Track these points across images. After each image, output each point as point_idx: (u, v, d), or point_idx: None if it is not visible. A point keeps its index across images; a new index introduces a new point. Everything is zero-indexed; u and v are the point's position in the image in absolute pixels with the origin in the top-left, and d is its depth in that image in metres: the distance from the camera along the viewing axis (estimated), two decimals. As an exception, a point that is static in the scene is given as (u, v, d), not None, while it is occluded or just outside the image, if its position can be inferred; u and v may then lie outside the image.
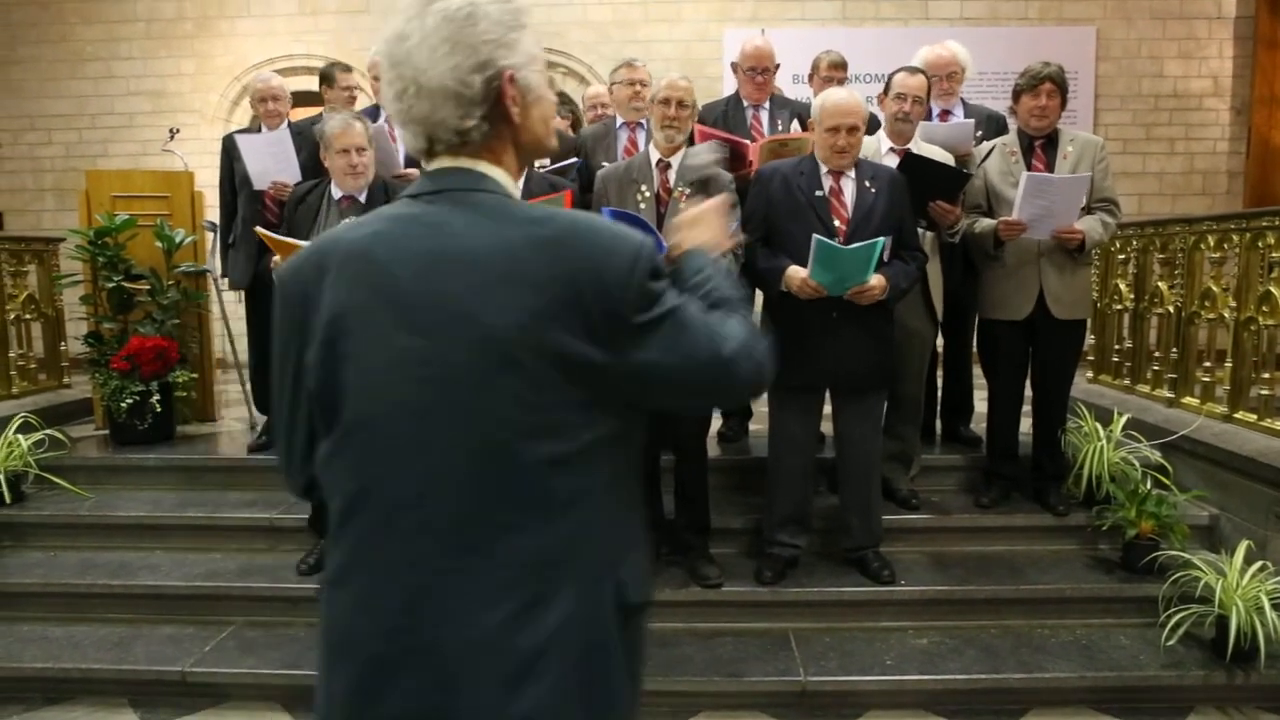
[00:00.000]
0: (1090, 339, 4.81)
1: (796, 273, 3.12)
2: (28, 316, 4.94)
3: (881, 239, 3.03)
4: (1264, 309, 3.70)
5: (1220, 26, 7.64)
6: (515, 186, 1.19)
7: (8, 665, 3.18)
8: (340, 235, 1.16)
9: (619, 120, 4.06)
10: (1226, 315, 3.92)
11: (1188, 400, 4.19)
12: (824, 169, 3.22)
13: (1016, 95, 3.58)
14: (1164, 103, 7.72)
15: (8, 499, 3.89)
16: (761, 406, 3.58)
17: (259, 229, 3.45)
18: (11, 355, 4.80)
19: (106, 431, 4.56)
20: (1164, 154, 7.75)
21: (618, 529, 1.19)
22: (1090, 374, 5.02)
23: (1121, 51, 7.66)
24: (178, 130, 5.70)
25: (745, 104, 4.11)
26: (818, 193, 3.20)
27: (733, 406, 1.12)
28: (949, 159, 3.59)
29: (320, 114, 4.10)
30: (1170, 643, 3.05)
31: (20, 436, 4.02)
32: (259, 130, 4.57)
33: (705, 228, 1.40)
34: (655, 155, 3.28)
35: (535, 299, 1.06)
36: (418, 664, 1.08)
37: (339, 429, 1.12)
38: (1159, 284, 4.40)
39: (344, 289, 1.10)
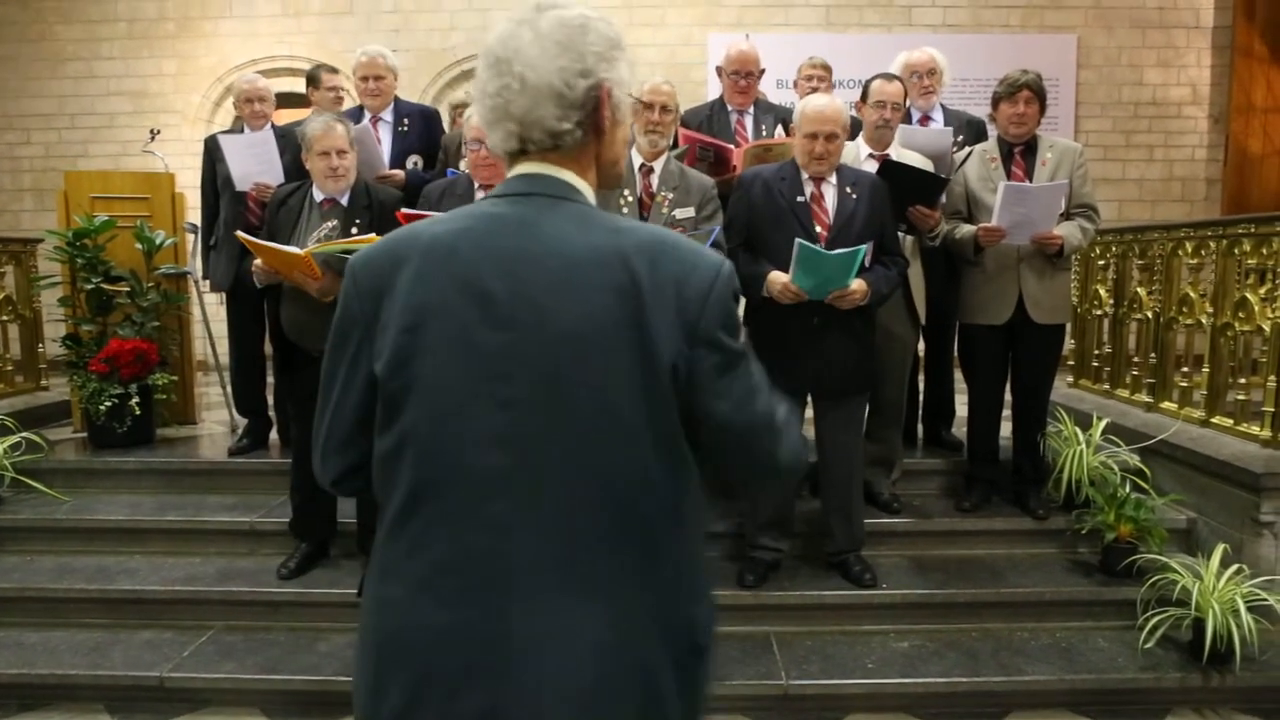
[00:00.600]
0: (1070, 344, 4.85)
1: (778, 278, 3.13)
2: (5, 318, 4.88)
3: (864, 246, 3.05)
4: (1240, 315, 3.75)
5: (1198, 35, 7.74)
6: (593, 197, 1.21)
7: (-18, 671, 3.15)
8: (422, 229, 1.16)
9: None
10: (1204, 321, 3.97)
11: (1166, 405, 4.23)
12: (805, 174, 3.24)
13: (995, 102, 3.61)
14: (1143, 110, 7.80)
15: (-17, 503, 3.85)
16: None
17: (239, 233, 3.43)
18: (-11, 357, 4.75)
19: (85, 434, 4.52)
20: (1143, 161, 7.83)
21: (697, 563, 1.18)
22: (1070, 379, 5.07)
23: (1102, 59, 7.74)
24: (159, 131, 5.65)
25: (729, 108, 4.12)
26: (799, 199, 3.21)
27: (762, 483, 1.13)
28: (928, 164, 3.61)
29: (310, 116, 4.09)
30: (1148, 645, 3.09)
31: (-4, 439, 3.98)
32: (242, 131, 4.54)
33: None
34: (638, 160, 3.28)
35: (618, 303, 1.07)
36: (487, 682, 1.06)
37: (406, 420, 1.10)
38: (1138, 289, 4.45)
39: (425, 282, 1.10)
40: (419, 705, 1.08)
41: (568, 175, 1.17)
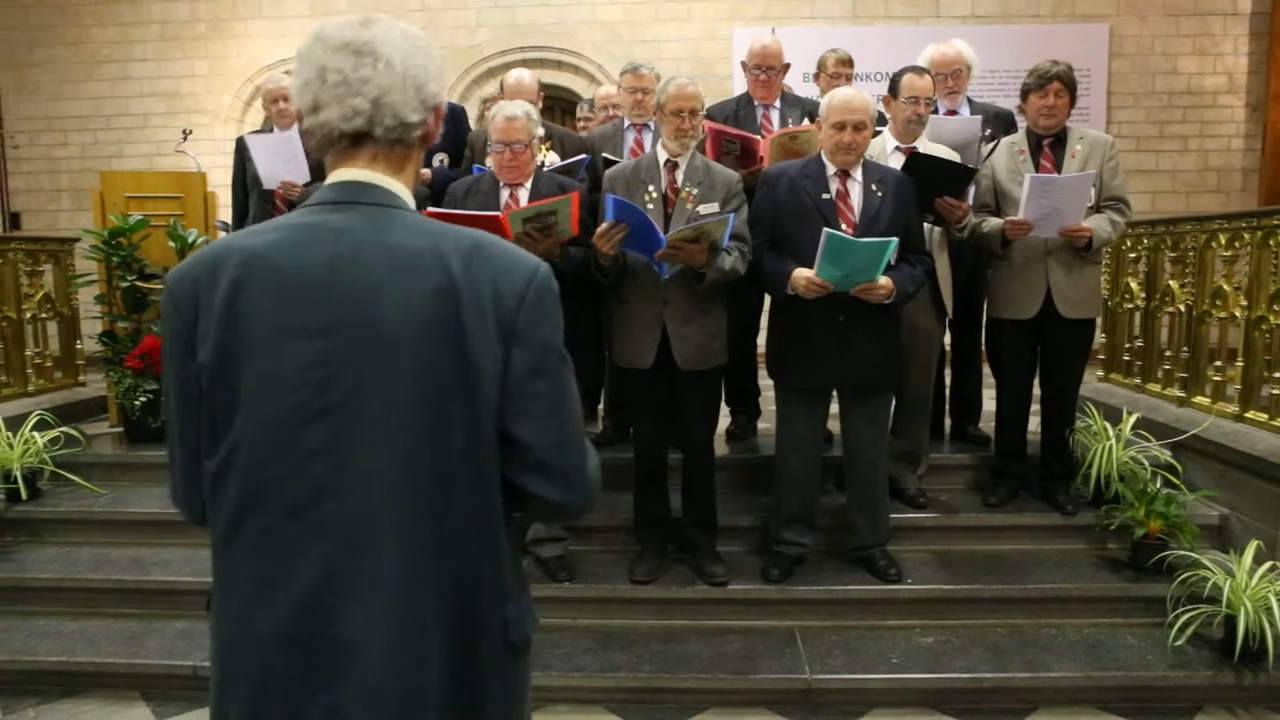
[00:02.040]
0: (1101, 337, 4.79)
1: (803, 273, 3.12)
2: (44, 315, 5.00)
3: (894, 240, 3.03)
4: (1275, 308, 3.68)
5: (1235, 22, 7.59)
6: (413, 203, 1.23)
7: (24, 658, 3.23)
8: (236, 240, 1.16)
9: (626, 121, 4.08)
10: (1238, 314, 3.90)
11: (1198, 399, 4.17)
12: (830, 170, 3.22)
13: (1025, 94, 3.57)
14: (1178, 100, 7.67)
15: (24, 495, 3.94)
16: (770, 405, 3.59)
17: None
18: (28, 354, 4.86)
19: (121, 429, 4.62)
20: (1177, 151, 7.70)
21: (513, 559, 1.21)
22: (1101, 373, 5.00)
23: (1135, 49, 7.62)
24: (191, 131, 5.76)
25: (755, 103, 4.11)
26: (824, 196, 3.20)
27: (570, 507, 1.11)
28: (956, 157, 3.58)
29: None
30: (1178, 643, 3.04)
31: (36, 434, 4.08)
32: (271, 131, 4.61)
33: None
34: (663, 156, 3.28)
35: (437, 304, 1.09)
36: (322, 689, 1.09)
37: (230, 436, 1.11)
38: (1170, 282, 4.38)
39: (241, 292, 1.10)
40: (259, 715, 1.11)
41: (392, 184, 1.18)
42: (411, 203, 1.21)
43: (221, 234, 5.01)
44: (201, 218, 4.85)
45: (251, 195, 4.41)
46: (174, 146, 5.71)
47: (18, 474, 3.92)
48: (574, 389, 1.19)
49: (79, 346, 5.22)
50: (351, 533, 1.09)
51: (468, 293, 1.09)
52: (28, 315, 4.86)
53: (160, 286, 4.55)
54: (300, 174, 4.14)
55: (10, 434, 4.03)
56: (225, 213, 4.91)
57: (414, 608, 1.10)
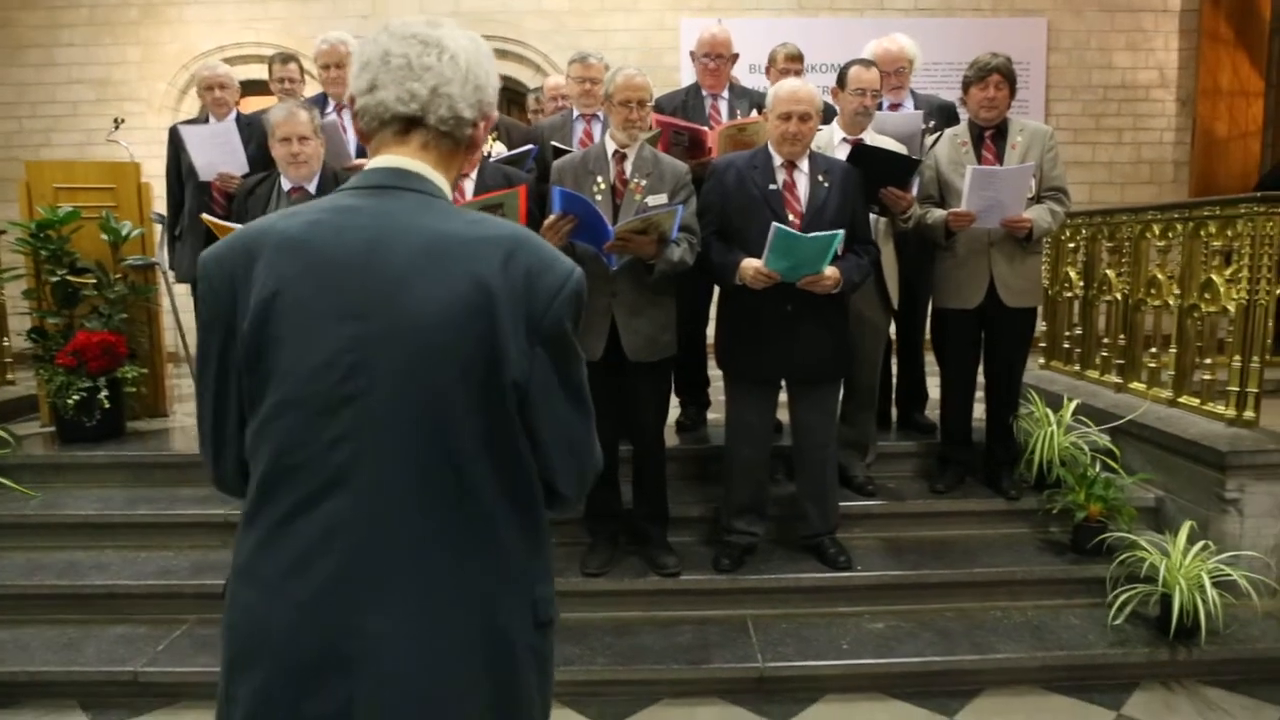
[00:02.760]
0: (1042, 325, 4.90)
1: (750, 263, 3.13)
2: (-32, 311, 4.80)
3: (839, 232, 3.06)
4: (1206, 296, 3.80)
5: (1166, 19, 7.81)
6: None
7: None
8: (273, 223, 1.15)
9: (575, 111, 4.04)
10: (1171, 302, 4.03)
11: (1135, 385, 4.29)
12: (777, 161, 3.24)
13: (966, 86, 3.63)
14: (1113, 93, 7.88)
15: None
16: (719, 395, 3.60)
17: (205, 215, 3.39)
18: (-48, 351, 4.67)
19: (53, 429, 4.45)
20: (1113, 144, 7.91)
21: (538, 543, 1.21)
22: (1042, 360, 5.12)
23: (1072, 43, 7.80)
24: (123, 120, 5.58)
25: (704, 93, 4.11)
26: (771, 186, 3.21)
27: (567, 497, 1.16)
28: (901, 149, 3.62)
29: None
30: (1117, 621, 3.15)
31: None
32: (206, 120, 4.48)
33: None
34: (611, 147, 3.26)
35: (471, 293, 1.08)
36: (339, 679, 1.07)
37: (265, 408, 1.11)
38: (1107, 271, 4.50)
39: (276, 275, 1.10)
40: (270, 703, 1.09)
41: (436, 175, 1.18)
42: (449, 193, 1.21)
43: (157, 226, 4.86)
44: (136, 209, 4.69)
45: (187, 186, 4.28)
46: (105, 135, 5.52)
47: (-58, 477, 3.77)
48: (588, 392, 1.21)
49: (6, 343, 5.02)
50: (372, 520, 1.08)
51: (503, 286, 1.09)
52: (-49, 311, 4.67)
53: (93, 280, 4.41)
54: (238, 165, 4.02)
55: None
56: (161, 204, 4.76)
57: (435, 594, 1.09)
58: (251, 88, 5.32)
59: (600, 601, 3.37)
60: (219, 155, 4.08)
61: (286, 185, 3.37)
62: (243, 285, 1.11)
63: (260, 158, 3.87)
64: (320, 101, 4.12)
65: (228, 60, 5.66)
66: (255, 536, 1.12)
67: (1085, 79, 7.84)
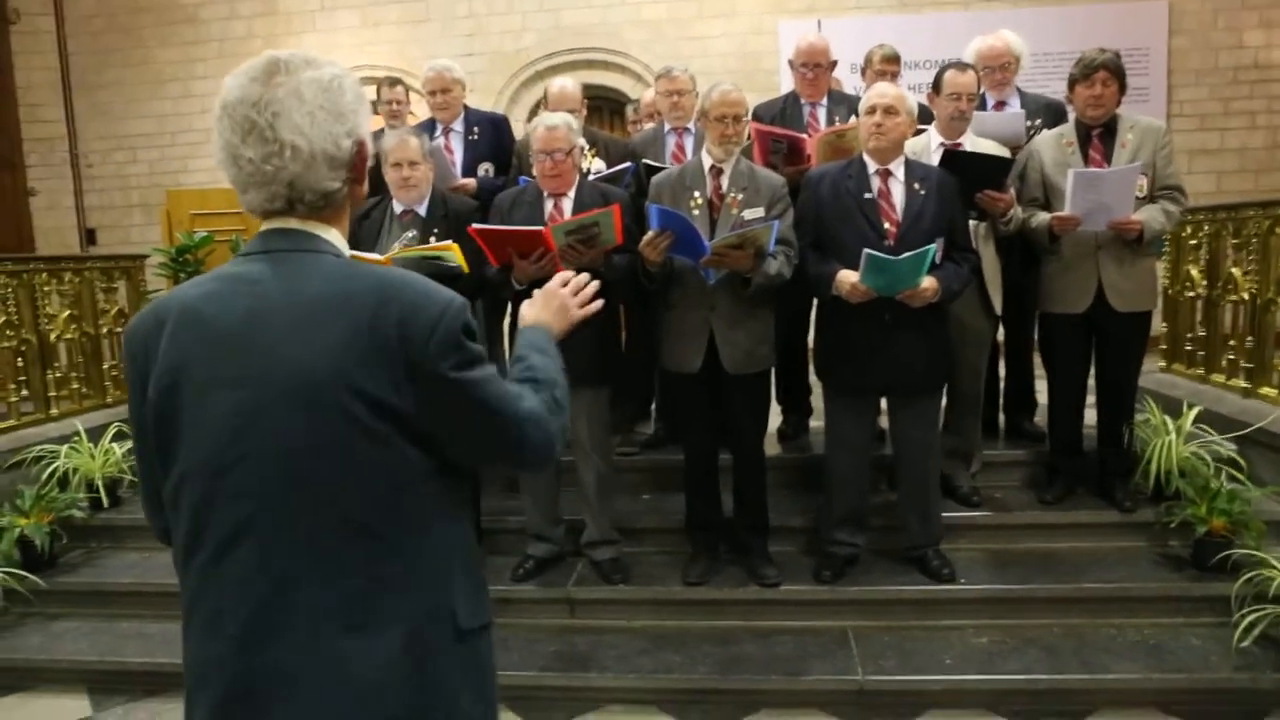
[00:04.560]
0: (1162, 326, 4.68)
1: (847, 277, 3.12)
2: (119, 330, 5.23)
3: (932, 247, 3.01)
4: (1343, 295, 3.56)
5: (1304, -8, 7.29)
6: (345, 244, 1.28)
7: (110, 659, 3.42)
8: (179, 293, 1.25)
9: (666, 125, 4.11)
10: (1305, 302, 3.79)
11: (1265, 390, 4.05)
12: (872, 169, 3.22)
13: (1071, 85, 3.51)
14: (1244, 75, 7.39)
15: (105, 503, 4.14)
16: (821, 404, 3.59)
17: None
18: (105, 367, 5.09)
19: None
20: (1245, 129, 7.42)
21: (447, 557, 1.26)
22: (1163, 363, 4.88)
23: (1196, 24, 7.36)
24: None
25: (802, 101, 4.09)
26: (866, 195, 3.19)
27: (530, 470, 1.25)
28: (1004, 152, 3.53)
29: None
30: (1244, 644, 2.98)
31: (115, 445, 4.28)
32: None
33: (542, 307, 1.53)
34: (708, 161, 3.30)
35: (343, 347, 1.14)
36: (266, 689, 1.16)
37: (174, 474, 1.20)
38: (1233, 269, 4.26)
39: (177, 343, 1.19)
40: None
41: (316, 228, 1.23)
42: (343, 246, 1.26)
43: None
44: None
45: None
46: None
47: (99, 483, 4.13)
48: (504, 390, 1.25)
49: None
50: (278, 567, 1.16)
51: (374, 336, 1.14)
52: (104, 330, 5.09)
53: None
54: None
55: (92, 445, 4.25)
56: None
57: (344, 627, 1.16)
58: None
59: (701, 610, 3.43)
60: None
61: (398, 208, 3.55)
62: (153, 353, 1.20)
63: (374, 180, 4.06)
64: (429, 127, 4.31)
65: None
66: (189, 582, 1.22)
67: (1212, 61, 7.38)
